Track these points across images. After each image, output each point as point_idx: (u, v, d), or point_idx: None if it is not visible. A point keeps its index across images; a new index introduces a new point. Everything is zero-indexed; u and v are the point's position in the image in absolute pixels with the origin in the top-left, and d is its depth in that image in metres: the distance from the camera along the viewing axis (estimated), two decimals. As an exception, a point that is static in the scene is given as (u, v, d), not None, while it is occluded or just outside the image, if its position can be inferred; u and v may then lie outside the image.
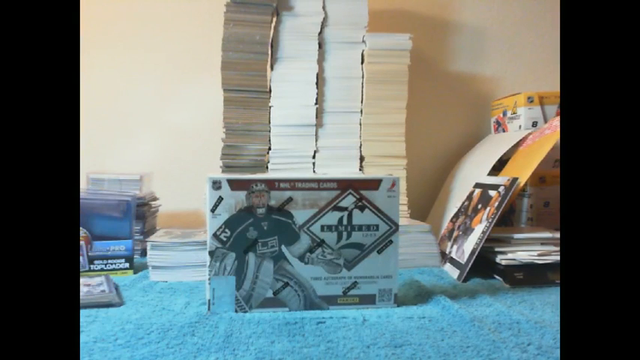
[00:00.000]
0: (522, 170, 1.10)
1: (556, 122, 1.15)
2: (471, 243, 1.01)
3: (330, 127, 1.27)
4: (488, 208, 1.04)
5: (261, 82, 1.22)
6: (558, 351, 0.63)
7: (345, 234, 0.78)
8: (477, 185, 1.19)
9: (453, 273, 1.02)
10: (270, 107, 1.24)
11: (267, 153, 1.24)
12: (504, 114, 1.43)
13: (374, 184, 0.79)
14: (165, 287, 0.92)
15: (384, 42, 1.25)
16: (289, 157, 1.25)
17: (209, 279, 0.76)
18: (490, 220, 0.99)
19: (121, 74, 1.46)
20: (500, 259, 0.97)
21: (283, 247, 0.77)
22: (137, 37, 1.46)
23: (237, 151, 1.22)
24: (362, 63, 1.27)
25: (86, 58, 1.43)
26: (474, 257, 0.98)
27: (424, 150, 1.54)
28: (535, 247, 1.00)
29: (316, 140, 1.26)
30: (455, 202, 1.29)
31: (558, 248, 0.99)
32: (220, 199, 0.75)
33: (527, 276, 0.95)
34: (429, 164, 1.55)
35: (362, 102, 1.27)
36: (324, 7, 1.24)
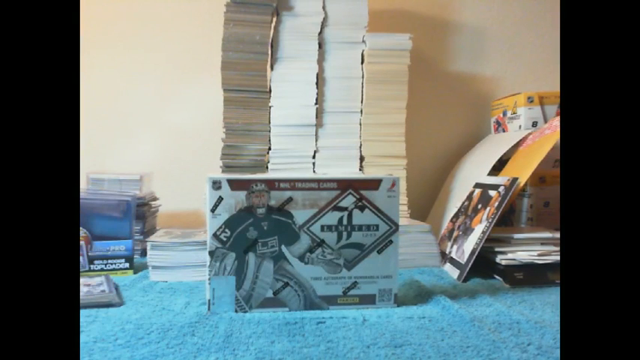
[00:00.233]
0: (522, 170, 1.10)
1: (556, 122, 1.15)
2: (471, 243, 1.01)
3: (330, 127, 1.27)
4: (488, 208, 1.04)
5: (261, 82, 1.22)
6: (558, 351, 0.63)
7: (345, 234, 0.78)
8: (477, 185, 1.19)
9: (453, 273, 1.02)
10: (270, 107, 1.24)
11: (267, 153, 1.24)
12: (504, 114, 1.43)
13: (374, 184, 0.79)
14: (165, 287, 0.92)
15: (384, 42, 1.25)
16: (289, 157, 1.25)
17: (209, 279, 0.76)
18: (490, 220, 0.99)
19: (121, 74, 1.46)
20: (500, 259, 0.97)
21: (283, 247, 0.77)
22: (137, 37, 1.46)
23: (237, 151, 1.22)
24: (362, 63, 1.27)
25: (86, 58, 1.43)
26: (474, 257, 0.98)
27: (424, 150, 1.54)
28: (535, 247, 1.00)
29: (316, 140, 1.26)
30: (455, 202, 1.29)
31: (558, 248, 0.99)
32: (220, 199, 0.75)
33: (527, 276, 0.95)
34: (429, 164, 1.55)
35: (362, 102, 1.27)
36: (324, 7, 1.24)
